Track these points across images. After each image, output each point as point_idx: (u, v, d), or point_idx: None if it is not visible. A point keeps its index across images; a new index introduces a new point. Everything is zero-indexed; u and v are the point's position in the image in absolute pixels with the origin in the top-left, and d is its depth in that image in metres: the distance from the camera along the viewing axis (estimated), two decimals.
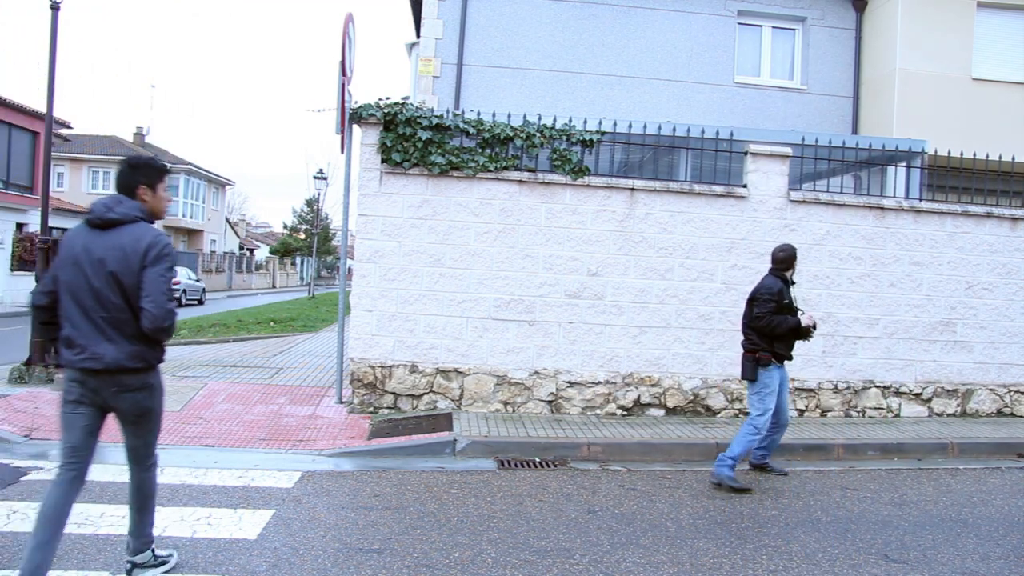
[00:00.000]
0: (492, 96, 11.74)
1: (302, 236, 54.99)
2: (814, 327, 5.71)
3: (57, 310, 3.29)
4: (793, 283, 5.89)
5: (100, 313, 3.22)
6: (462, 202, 7.40)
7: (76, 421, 3.27)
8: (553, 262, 7.47)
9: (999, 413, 8.16)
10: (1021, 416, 8.18)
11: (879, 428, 7.35)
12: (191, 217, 40.01)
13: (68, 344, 3.24)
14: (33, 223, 23.54)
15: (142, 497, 3.53)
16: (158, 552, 3.60)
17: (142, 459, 3.50)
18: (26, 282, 20.63)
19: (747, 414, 7.58)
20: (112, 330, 3.22)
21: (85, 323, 3.22)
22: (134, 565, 3.48)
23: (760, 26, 12.81)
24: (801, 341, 5.83)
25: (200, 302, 28.43)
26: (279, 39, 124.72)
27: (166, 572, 3.55)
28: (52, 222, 13.91)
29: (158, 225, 3.61)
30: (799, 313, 5.71)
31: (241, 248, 52.20)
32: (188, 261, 33.90)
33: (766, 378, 5.59)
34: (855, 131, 12.50)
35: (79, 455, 3.30)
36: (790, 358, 5.76)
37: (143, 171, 3.40)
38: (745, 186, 7.72)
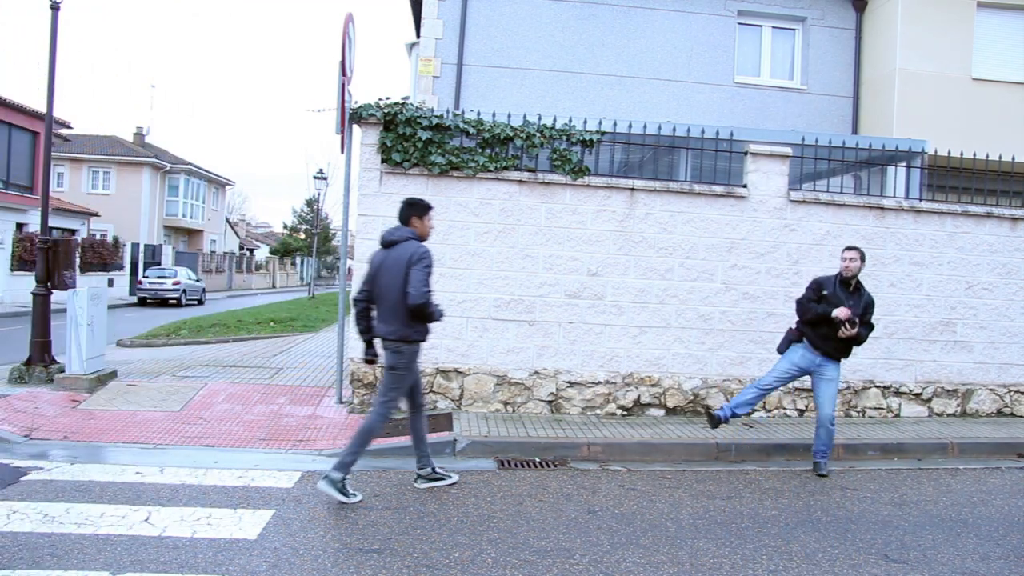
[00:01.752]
0: (492, 96, 11.75)
1: (302, 236, 54.99)
2: (847, 323, 5.76)
3: (371, 304, 5.09)
4: (852, 287, 5.97)
5: (384, 304, 4.97)
6: (462, 202, 7.40)
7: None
8: (553, 262, 7.47)
9: (999, 413, 8.16)
10: (1021, 416, 8.18)
11: (879, 428, 7.35)
12: (191, 217, 40.00)
13: (377, 322, 5.09)
14: (33, 223, 23.54)
15: (363, 429, 4.93)
16: (347, 487, 4.78)
17: (380, 402, 5.01)
18: (26, 282, 20.60)
19: (747, 414, 7.63)
20: (389, 315, 4.94)
21: (378, 310, 5.04)
22: (326, 476, 4.76)
23: (760, 26, 12.82)
24: (856, 344, 6.01)
25: (200, 302, 28.40)
26: (279, 39, 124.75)
27: (342, 497, 4.71)
28: (52, 222, 13.91)
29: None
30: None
31: (241, 248, 52.21)
32: (188, 261, 33.92)
33: (789, 350, 6.12)
34: (855, 131, 12.50)
35: (408, 396, 5.17)
36: (824, 350, 5.94)
37: (416, 208, 5.16)
38: (745, 186, 7.72)
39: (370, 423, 4.93)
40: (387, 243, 5.04)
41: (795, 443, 6.60)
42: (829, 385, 6.00)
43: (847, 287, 6.00)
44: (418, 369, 5.18)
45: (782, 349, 6.18)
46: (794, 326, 6.19)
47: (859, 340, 5.98)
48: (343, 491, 4.72)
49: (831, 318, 5.82)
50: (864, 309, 5.97)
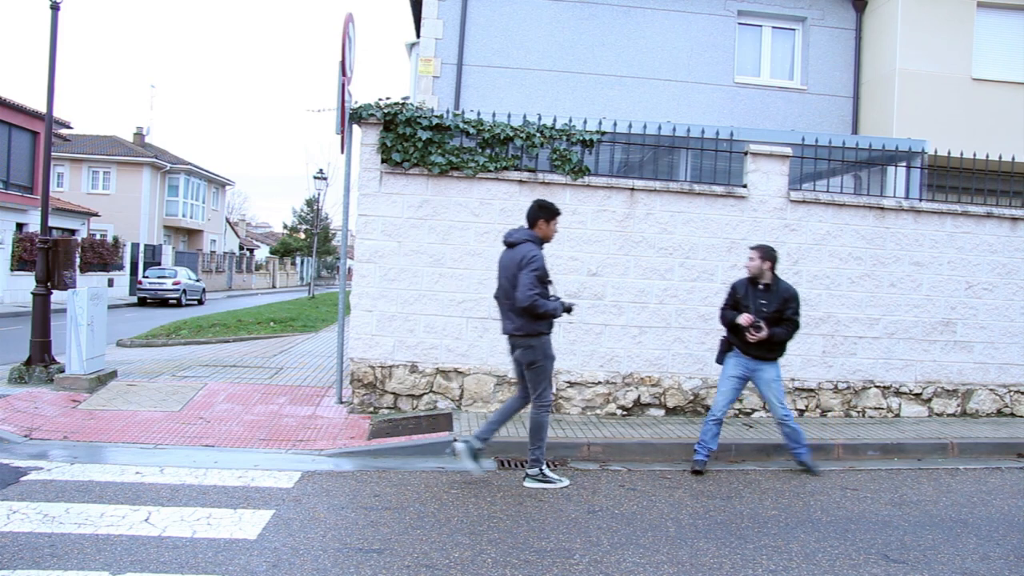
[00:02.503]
0: (492, 96, 11.74)
1: (302, 236, 54.98)
2: (751, 328, 5.69)
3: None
4: (762, 286, 5.86)
5: (505, 301, 5.28)
6: (462, 202, 7.40)
7: (515, 366, 5.45)
8: (553, 262, 7.41)
9: (999, 413, 8.16)
10: (1021, 416, 8.18)
11: (879, 428, 7.35)
12: (191, 217, 40.00)
13: (501, 319, 5.41)
14: (33, 223, 23.55)
15: (532, 427, 5.30)
16: (547, 473, 5.29)
17: (534, 399, 5.32)
18: (26, 282, 20.63)
19: (747, 414, 7.64)
20: (509, 311, 5.25)
21: (501, 307, 5.38)
22: (527, 475, 5.33)
23: (760, 26, 12.81)
24: (781, 342, 5.90)
25: (200, 302, 28.41)
26: (279, 39, 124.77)
27: (550, 485, 5.22)
28: (52, 222, 13.91)
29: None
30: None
31: (241, 248, 52.20)
32: (188, 261, 33.92)
33: (725, 361, 6.05)
34: (855, 131, 12.49)
35: (521, 383, 5.44)
36: (755, 354, 5.85)
37: (544, 211, 5.35)
38: (745, 186, 7.72)
39: (537, 420, 5.29)
40: (508, 243, 5.33)
41: None
42: (770, 387, 5.89)
43: (756, 286, 5.88)
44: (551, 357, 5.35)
45: (720, 360, 6.10)
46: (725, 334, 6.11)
47: (777, 339, 5.82)
48: (547, 479, 5.24)
49: (735, 323, 5.80)
50: (782, 304, 5.80)
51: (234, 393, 7.96)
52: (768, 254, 5.87)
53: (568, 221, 7.49)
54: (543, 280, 5.12)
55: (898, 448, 6.75)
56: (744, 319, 5.73)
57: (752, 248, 5.98)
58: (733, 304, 5.96)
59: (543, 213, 5.34)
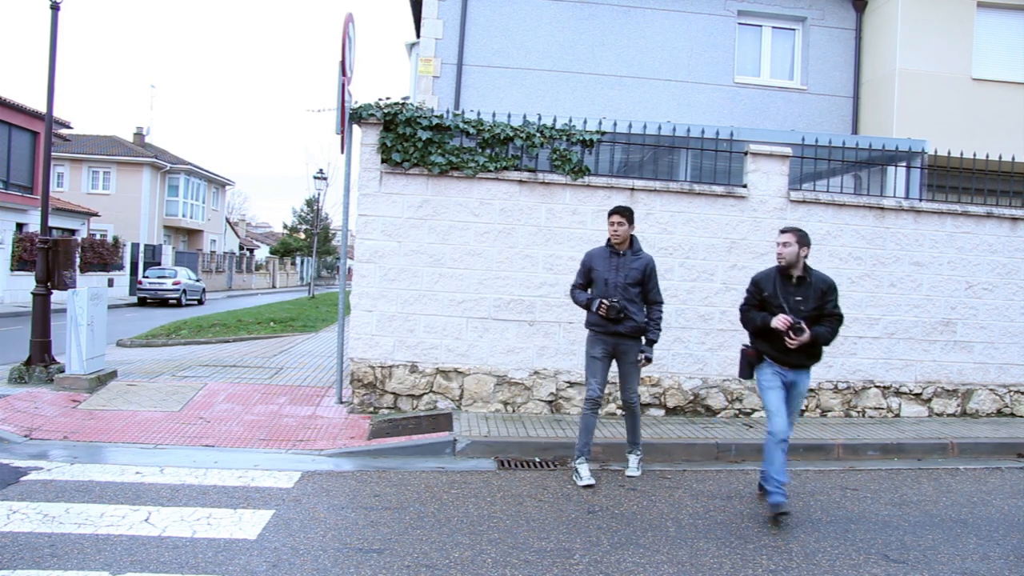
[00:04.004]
0: (492, 96, 11.74)
1: (302, 236, 54.99)
2: (790, 332, 4.70)
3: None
4: (795, 278, 4.88)
5: None
6: (462, 202, 7.40)
7: None
8: (553, 262, 7.46)
9: (999, 413, 8.16)
10: (1021, 416, 8.17)
11: (879, 428, 7.35)
12: (191, 217, 39.99)
13: None
14: (33, 223, 23.55)
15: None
16: (579, 468, 5.47)
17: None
18: (26, 282, 20.62)
19: (747, 414, 7.63)
20: None
21: None
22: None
23: (760, 26, 12.81)
24: (823, 344, 4.93)
25: (200, 302, 28.40)
26: (279, 39, 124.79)
27: (575, 479, 5.43)
28: (52, 222, 13.92)
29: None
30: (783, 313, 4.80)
31: (241, 248, 52.19)
32: (188, 261, 33.93)
33: (758, 374, 5.03)
34: (855, 131, 12.49)
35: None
36: (792, 363, 4.87)
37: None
38: (745, 186, 7.72)
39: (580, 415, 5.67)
40: None
41: (794, 443, 6.56)
42: (800, 400, 5.05)
43: (789, 280, 4.88)
44: (593, 356, 5.57)
45: (746, 375, 5.08)
46: (748, 343, 5.13)
47: (822, 340, 4.85)
48: (577, 473, 5.46)
49: (768, 327, 4.79)
50: (821, 299, 4.84)
51: (234, 393, 7.96)
52: (804, 238, 4.84)
53: (568, 221, 7.50)
54: (587, 275, 5.62)
55: (898, 448, 6.75)
56: (781, 321, 4.70)
57: (785, 231, 4.91)
58: (759, 304, 4.95)
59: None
